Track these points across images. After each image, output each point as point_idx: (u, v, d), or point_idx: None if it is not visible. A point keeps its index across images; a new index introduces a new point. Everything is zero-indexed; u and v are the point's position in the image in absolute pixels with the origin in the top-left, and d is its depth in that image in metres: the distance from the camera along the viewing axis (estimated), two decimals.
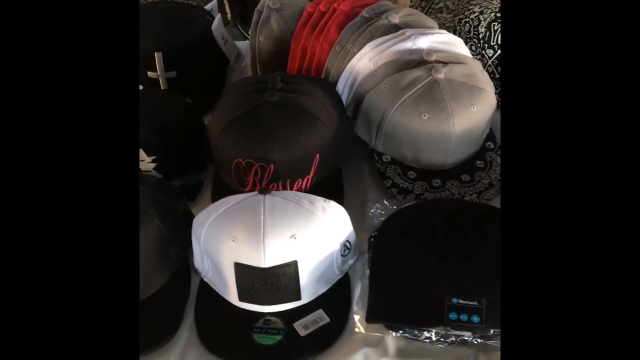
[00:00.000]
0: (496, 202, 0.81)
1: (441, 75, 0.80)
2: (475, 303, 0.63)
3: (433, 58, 0.84)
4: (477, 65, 0.86)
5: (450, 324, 0.63)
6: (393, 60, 0.85)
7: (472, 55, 1.00)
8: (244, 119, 0.78)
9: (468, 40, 1.01)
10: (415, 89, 0.80)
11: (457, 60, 0.84)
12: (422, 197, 0.82)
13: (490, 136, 0.89)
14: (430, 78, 0.80)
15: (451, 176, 0.84)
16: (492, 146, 0.88)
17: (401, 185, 0.83)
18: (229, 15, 1.56)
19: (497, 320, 0.63)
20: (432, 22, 0.94)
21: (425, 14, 1.10)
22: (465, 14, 1.02)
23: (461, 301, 0.64)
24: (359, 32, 0.91)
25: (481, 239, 0.71)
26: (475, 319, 0.62)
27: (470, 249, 0.70)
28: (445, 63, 0.83)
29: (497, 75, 0.99)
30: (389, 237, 0.75)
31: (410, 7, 1.29)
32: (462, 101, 0.79)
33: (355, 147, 0.89)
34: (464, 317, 0.63)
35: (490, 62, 0.98)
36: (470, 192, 0.82)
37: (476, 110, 0.80)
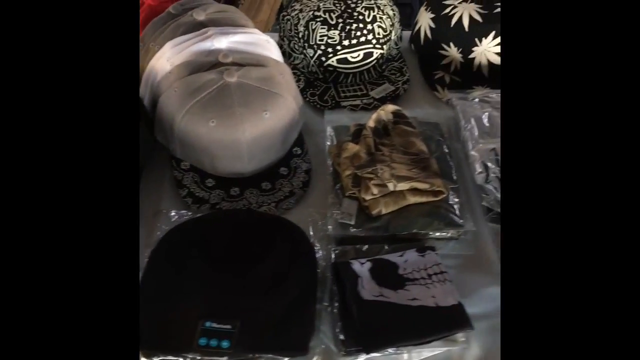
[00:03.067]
0: (294, 212, 0.79)
1: (233, 79, 0.76)
2: (229, 326, 0.60)
3: (229, 60, 0.79)
4: (281, 68, 0.83)
5: (199, 349, 0.59)
6: (188, 62, 0.80)
7: (296, 54, 0.97)
8: None
9: (291, 38, 0.97)
10: (205, 93, 0.76)
11: (256, 63, 0.80)
12: (217, 206, 0.78)
13: (298, 141, 0.86)
14: (221, 82, 0.76)
15: (251, 184, 0.80)
16: (299, 152, 0.85)
17: (197, 194, 0.79)
18: None
19: (251, 344, 0.60)
20: (245, 20, 0.89)
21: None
22: (287, 11, 0.98)
23: (214, 325, 0.60)
24: (162, 29, 0.85)
25: (264, 253, 0.68)
26: (225, 344, 0.59)
27: (249, 264, 0.67)
28: (242, 65, 0.79)
29: (321, 76, 0.96)
30: (166, 252, 0.70)
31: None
32: (253, 107, 0.76)
33: (156, 152, 0.84)
34: (213, 342, 0.59)
35: (312, 61, 0.95)
36: (269, 202, 0.79)
37: (269, 117, 0.77)
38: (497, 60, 0.95)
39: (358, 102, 0.94)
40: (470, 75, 0.97)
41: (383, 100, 0.94)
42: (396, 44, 1.02)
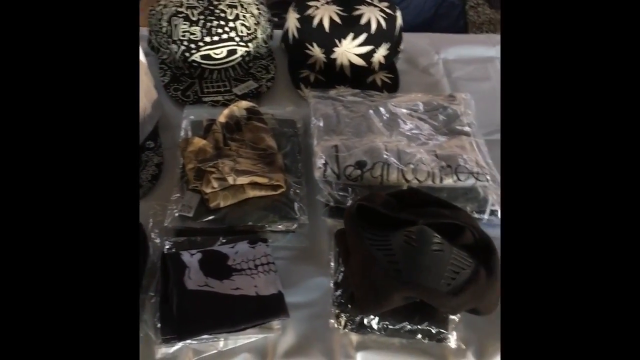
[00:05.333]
0: (140, 204, 0.80)
1: None
2: None
3: None
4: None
5: None
6: None
7: (163, 49, 0.98)
8: None
9: (157, 33, 0.98)
10: None
11: None
12: None
13: (152, 135, 0.87)
14: None
15: None
16: (152, 145, 0.86)
17: None
18: None
19: None
20: None
21: None
22: (154, 5, 0.99)
23: None
24: None
25: None
26: None
27: None
28: None
29: (187, 72, 0.98)
30: None
31: None
32: None
33: None
34: None
35: (177, 57, 0.96)
36: None
37: None
38: (357, 60, 0.99)
39: (220, 98, 0.95)
40: (333, 75, 1.00)
41: (245, 97, 0.96)
42: (265, 42, 1.04)
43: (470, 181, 0.80)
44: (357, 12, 0.97)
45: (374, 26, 0.97)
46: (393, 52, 1.05)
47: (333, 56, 0.99)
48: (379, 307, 0.64)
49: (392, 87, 1.02)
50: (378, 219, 0.71)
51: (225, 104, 0.94)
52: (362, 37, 0.97)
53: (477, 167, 0.82)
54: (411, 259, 0.64)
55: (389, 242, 0.66)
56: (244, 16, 0.96)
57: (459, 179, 0.80)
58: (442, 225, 0.68)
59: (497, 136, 0.97)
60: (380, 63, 1.02)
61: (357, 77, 1.01)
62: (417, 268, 0.63)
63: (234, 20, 0.95)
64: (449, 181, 0.80)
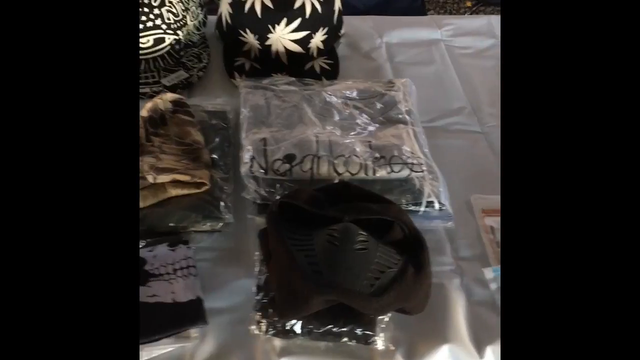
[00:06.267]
0: None
1: None
2: None
3: None
4: None
5: None
6: None
7: None
8: None
9: None
10: None
11: None
12: None
13: None
14: None
15: None
16: None
17: None
18: None
19: None
20: None
21: None
22: None
23: None
24: None
25: None
26: None
27: None
28: None
29: None
30: None
31: None
32: None
33: None
34: None
35: None
36: None
37: None
38: (293, 47, 0.95)
39: (147, 90, 0.90)
40: (269, 62, 0.96)
41: (175, 88, 0.91)
42: (198, 29, 0.99)
43: (405, 172, 0.77)
44: None
45: (308, 10, 0.92)
46: (332, 37, 1.00)
47: (268, 43, 0.94)
48: (299, 312, 0.60)
49: (331, 73, 0.98)
50: (304, 217, 0.67)
51: (153, 96, 0.89)
52: (297, 22, 0.92)
53: (413, 157, 0.78)
54: (332, 259, 0.61)
55: (312, 242, 0.63)
56: (170, 2, 0.91)
57: (393, 170, 0.77)
58: (370, 221, 0.65)
59: (440, 123, 0.94)
60: (318, 49, 0.98)
61: (295, 64, 0.96)
62: (338, 269, 0.60)
63: (159, 7, 0.90)
64: (382, 173, 0.76)
